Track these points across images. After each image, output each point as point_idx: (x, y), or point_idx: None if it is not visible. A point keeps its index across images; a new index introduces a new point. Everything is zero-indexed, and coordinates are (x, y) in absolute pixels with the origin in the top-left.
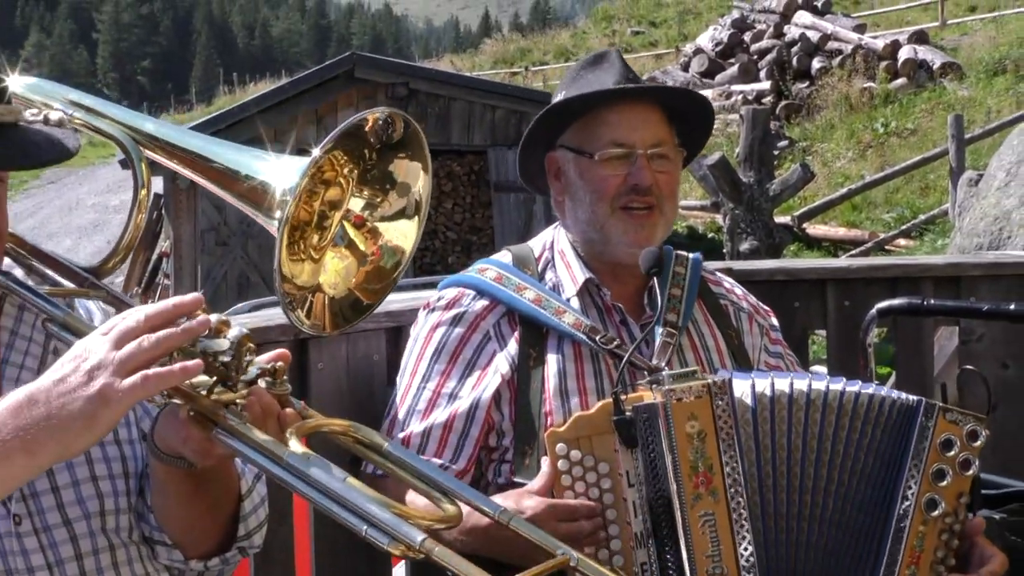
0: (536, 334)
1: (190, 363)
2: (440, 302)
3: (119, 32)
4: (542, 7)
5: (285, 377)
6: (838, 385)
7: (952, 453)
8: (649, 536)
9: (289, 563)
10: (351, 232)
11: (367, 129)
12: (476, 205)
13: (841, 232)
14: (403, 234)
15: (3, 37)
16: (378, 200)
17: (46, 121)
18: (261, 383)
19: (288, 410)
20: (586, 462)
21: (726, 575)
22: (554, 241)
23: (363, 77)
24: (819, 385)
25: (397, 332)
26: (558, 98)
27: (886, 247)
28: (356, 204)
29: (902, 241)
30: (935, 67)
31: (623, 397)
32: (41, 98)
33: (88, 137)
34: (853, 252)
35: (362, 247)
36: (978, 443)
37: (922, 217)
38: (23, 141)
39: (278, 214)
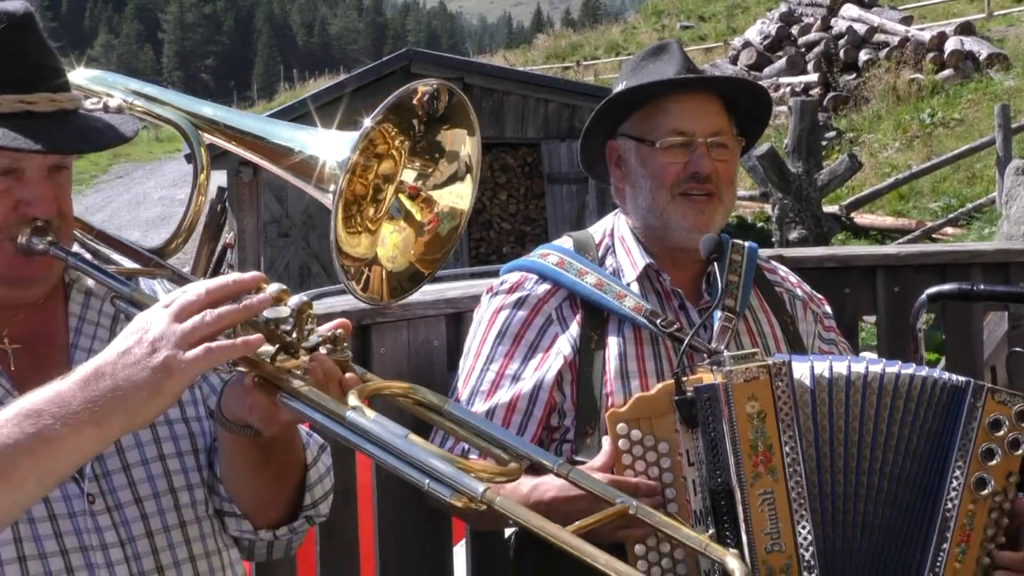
0: (597, 317)
1: (252, 337)
2: (503, 286)
3: (183, 32)
4: (593, 3)
5: (346, 344)
6: (893, 368)
7: (1001, 433)
8: (708, 514)
9: (353, 542)
10: (407, 203)
11: (415, 102)
12: (529, 196)
13: (888, 221)
14: (459, 196)
15: (73, 38)
16: (430, 170)
17: (105, 108)
18: (322, 350)
19: (349, 375)
20: (646, 442)
21: (784, 552)
22: (614, 227)
23: (419, 72)
24: (875, 368)
25: (457, 318)
26: (619, 88)
27: (933, 236)
28: (409, 175)
29: (949, 230)
30: (981, 58)
31: (684, 378)
32: (103, 88)
33: (154, 132)
34: (900, 240)
35: (418, 217)
36: None
37: (969, 206)
38: (83, 127)
39: (332, 187)
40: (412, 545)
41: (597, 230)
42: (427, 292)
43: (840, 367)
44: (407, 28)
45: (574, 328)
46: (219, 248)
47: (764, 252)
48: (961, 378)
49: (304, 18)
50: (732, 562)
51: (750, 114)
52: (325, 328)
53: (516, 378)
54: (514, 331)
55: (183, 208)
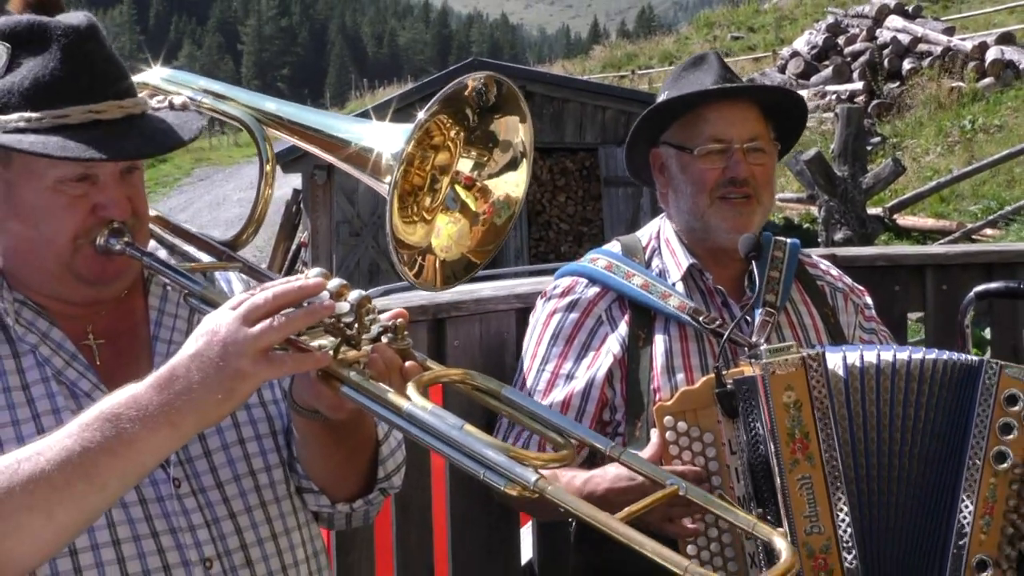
0: (644, 317)
1: (318, 354)
2: (556, 291)
3: (261, 43)
4: (647, 15)
5: (406, 332)
6: (917, 354)
7: (1017, 408)
8: (751, 499)
9: (427, 518)
10: (462, 194)
11: (467, 94)
12: (587, 199)
13: (929, 223)
14: (514, 184)
15: (158, 49)
16: (485, 159)
17: (171, 106)
18: (383, 339)
19: (410, 363)
20: (692, 433)
21: (824, 533)
22: (660, 230)
23: None
24: (901, 355)
25: (525, 312)
26: (661, 98)
27: (972, 237)
28: (465, 165)
29: (988, 231)
30: (1021, 67)
31: (724, 372)
32: (174, 87)
33: (233, 138)
34: (942, 241)
35: (474, 207)
36: None
37: (1008, 208)
38: (149, 130)
39: (388, 178)
40: (482, 525)
41: (644, 233)
42: (498, 288)
43: (870, 356)
44: (471, 39)
45: (623, 328)
46: (294, 246)
47: (818, 251)
48: (974, 357)
49: (374, 30)
50: (779, 541)
51: (788, 118)
52: (385, 316)
53: (570, 377)
54: (567, 333)
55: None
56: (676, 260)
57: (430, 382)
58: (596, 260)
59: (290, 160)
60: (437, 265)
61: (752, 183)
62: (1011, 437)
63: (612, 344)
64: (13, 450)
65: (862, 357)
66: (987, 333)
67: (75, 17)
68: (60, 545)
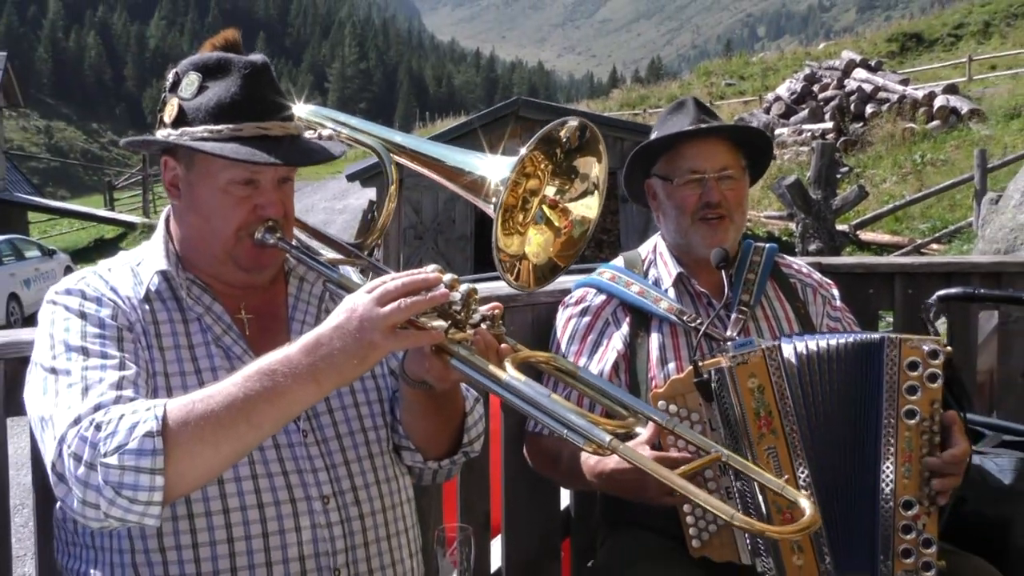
0: (642, 318)
1: (435, 330)
2: (571, 300)
3: (344, 82)
4: (656, 64)
5: (501, 321)
6: (839, 338)
7: (918, 372)
8: (729, 468)
9: (486, 476)
10: (548, 212)
11: (560, 135)
12: (606, 212)
13: (886, 238)
14: (588, 207)
15: None
16: (567, 187)
17: (320, 136)
18: (483, 326)
19: (504, 345)
20: (681, 413)
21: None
22: (656, 245)
23: (525, 116)
24: (832, 340)
25: None
26: (652, 136)
27: (922, 250)
28: (550, 191)
29: (934, 246)
30: (963, 112)
31: (701, 363)
32: (318, 119)
33: None
34: (896, 254)
35: (556, 223)
36: (939, 359)
37: (951, 227)
38: (305, 147)
39: (494, 200)
40: (529, 479)
41: (644, 248)
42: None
43: (812, 344)
44: (513, 82)
45: (625, 327)
46: (371, 254)
47: (808, 260)
48: (876, 334)
49: (435, 73)
50: (804, 501)
51: (756, 148)
52: (485, 308)
53: (585, 369)
54: (581, 334)
55: (340, 215)
56: (668, 270)
57: (523, 361)
58: (603, 273)
59: (367, 177)
60: (530, 269)
61: (725, 205)
62: (916, 397)
63: (617, 341)
64: (180, 395)
65: (807, 346)
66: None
67: (254, 56)
68: (220, 471)
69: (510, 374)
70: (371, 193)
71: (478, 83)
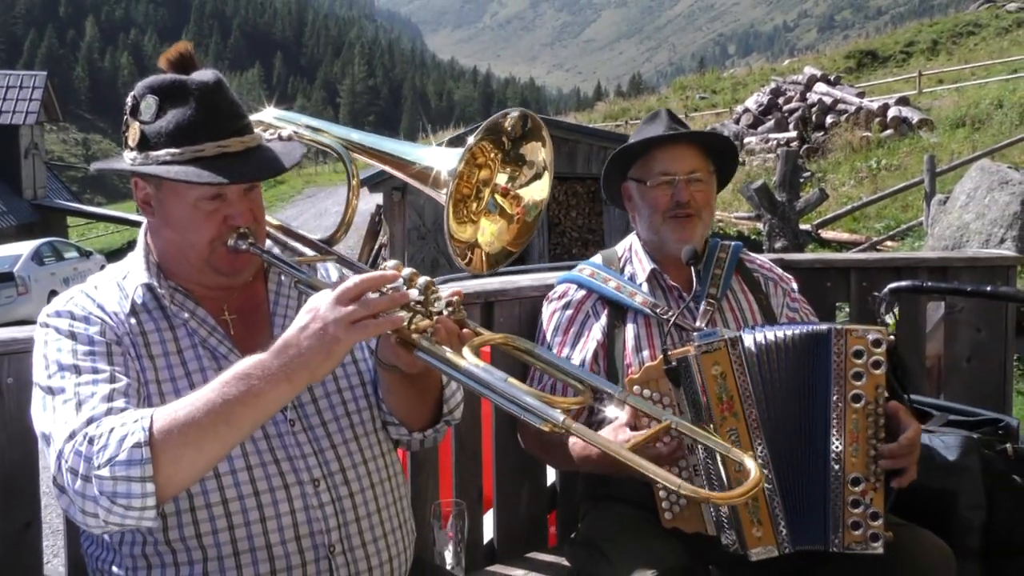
0: (619, 311)
1: (394, 316)
2: (555, 295)
3: (354, 97)
4: (637, 80)
5: (462, 306)
6: (791, 329)
7: (863, 359)
8: (696, 445)
9: (478, 454)
10: (500, 201)
11: (504, 125)
12: (592, 214)
13: (845, 236)
14: (540, 190)
15: (279, 101)
16: (517, 175)
17: (280, 138)
18: (445, 312)
19: (465, 330)
20: (654, 397)
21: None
22: (632, 244)
23: None
24: (787, 331)
25: None
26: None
27: (877, 247)
28: (502, 179)
29: (889, 243)
30: (914, 122)
31: (670, 352)
32: (283, 123)
33: (333, 166)
34: (854, 250)
35: (509, 210)
36: (882, 347)
37: (903, 227)
38: (263, 159)
39: (444, 189)
40: (517, 457)
41: (621, 246)
42: (531, 279)
43: (770, 335)
44: (507, 96)
45: (603, 319)
46: (376, 246)
47: (770, 256)
48: (824, 325)
49: (436, 88)
50: (749, 462)
51: (722, 153)
52: (445, 295)
53: (568, 359)
54: (564, 326)
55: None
56: (642, 266)
57: (481, 344)
58: (583, 270)
59: (374, 183)
60: (483, 256)
61: (694, 204)
62: (862, 382)
63: (596, 332)
64: (172, 400)
65: (765, 336)
66: (889, 318)
67: (206, 74)
68: (206, 469)
69: (469, 361)
70: (378, 198)
71: (475, 97)
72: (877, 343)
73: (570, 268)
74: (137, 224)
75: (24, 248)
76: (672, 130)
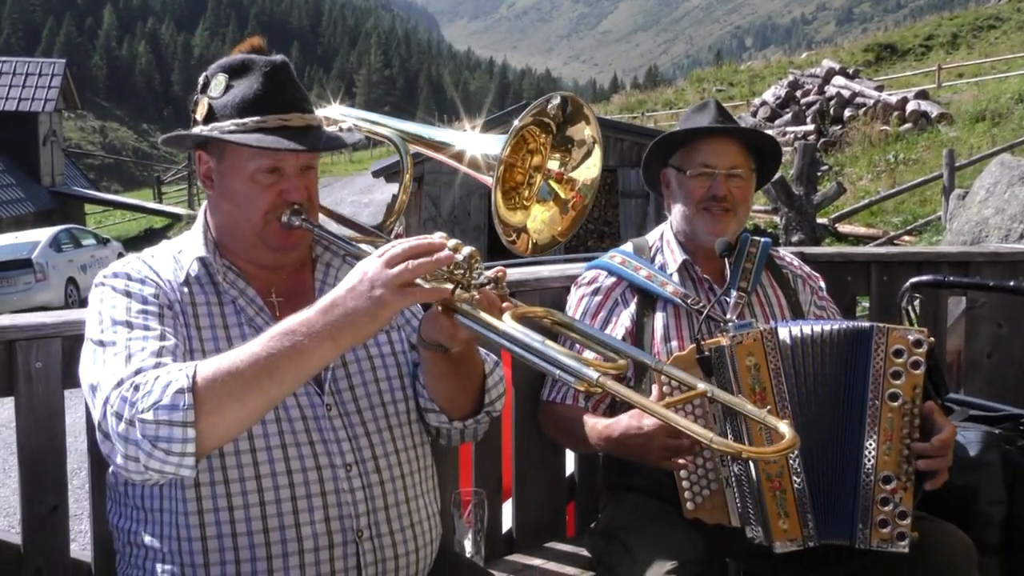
0: (648, 299)
1: (441, 286)
2: (584, 280)
3: (369, 88)
4: (653, 72)
5: (505, 283)
6: (831, 325)
7: (903, 359)
8: (725, 436)
9: (497, 443)
10: (555, 187)
11: (547, 110)
12: (608, 206)
13: (862, 230)
14: (592, 166)
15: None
16: (567, 158)
17: (340, 129)
18: (488, 287)
19: (506, 303)
20: (682, 388)
21: (778, 463)
22: (663, 233)
23: None
24: (822, 327)
25: (568, 288)
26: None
27: (895, 241)
28: (553, 164)
29: (906, 237)
30: (933, 116)
31: (703, 341)
32: (343, 117)
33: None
34: (870, 244)
35: (563, 195)
36: (922, 348)
37: (921, 221)
38: (324, 135)
39: (492, 173)
40: (537, 448)
41: (652, 235)
42: (551, 270)
43: (806, 328)
44: (523, 87)
45: (632, 307)
46: (392, 236)
47: (791, 249)
48: (867, 323)
49: (452, 79)
50: (783, 426)
51: (766, 153)
52: (491, 272)
53: None
54: (592, 311)
55: (366, 208)
56: (673, 256)
57: (522, 315)
58: (614, 257)
59: (391, 173)
60: (530, 242)
61: (730, 200)
62: (900, 381)
63: (625, 319)
64: None
65: (801, 329)
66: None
67: (274, 56)
68: (248, 424)
69: (508, 324)
70: (395, 188)
71: (491, 88)
72: (918, 343)
73: (587, 260)
74: (153, 212)
75: (42, 235)
76: (719, 122)
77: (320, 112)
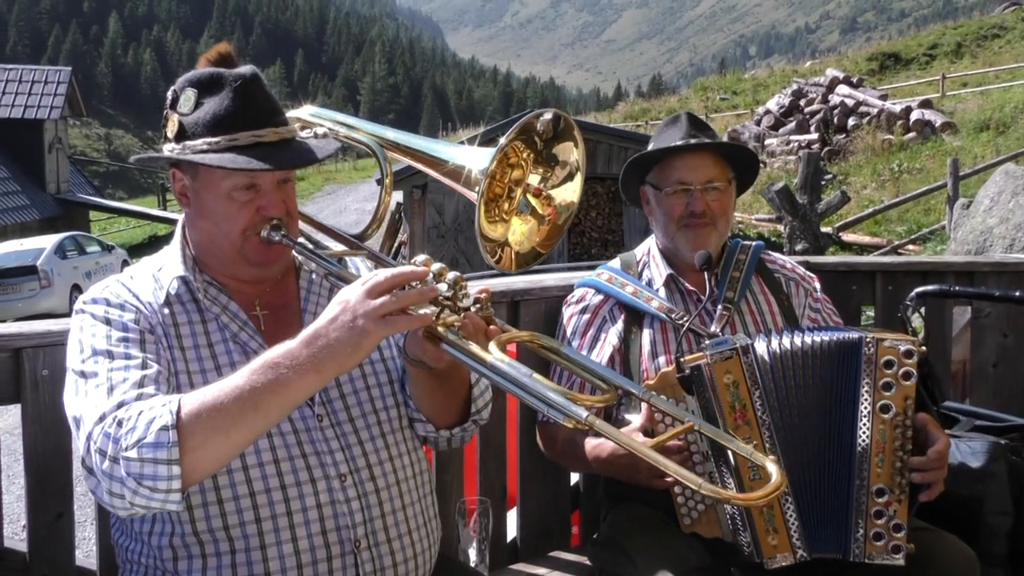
0: (636, 315)
1: (423, 314)
2: (573, 299)
3: (374, 95)
4: (657, 80)
5: (490, 304)
6: (818, 335)
7: (893, 370)
8: (709, 454)
9: (502, 452)
10: (532, 201)
11: (536, 126)
12: (611, 214)
13: (866, 239)
14: (572, 191)
15: (299, 99)
16: (549, 175)
17: (315, 135)
18: (472, 309)
19: (492, 327)
20: (670, 403)
21: (763, 479)
22: (650, 248)
23: None
24: (807, 338)
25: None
26: (649, 147)
27: (899, 251)
28: (534, 179)
29: (911, 247)
30: (937, 125)
31: (683, 359)
32: (318, 120)
33: (353, 163)
34: (875, 254)
35: (540, 210)
36: (913, 359)
37: (925, 230)
38: (299, 149)
39: (477, 188)
40: (542, 457)
41: (640, 249)
42: (555, 279)
43: (785, 341)
44: (527, 95)
45: (620, 324)
46: (396, 243)
47: (796, 258)
48: (856, 333)
49: (456, 87)
50: (771, 466)
51: (742, 161)
52: (473, 292)
53: None
54: (582, 329)
55: (370, 216)
56: (659, 271)
57: (507, 341)
58: (601, 275)
59: (397, 180)
60: (512, 255)
61: (709, 213)
62: (891, 392)
63: (613, 337)
64: None
65: (780, 343)
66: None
67: (243, 68)
68: (232, 456)
69: (495, 356)
70: (398, 196)
71: (495, 96)
72: (909, 354)
73: (591, 268)
74: (158, 219)
75: (47, 242)
76: (692, 135)
77: (291, 113)
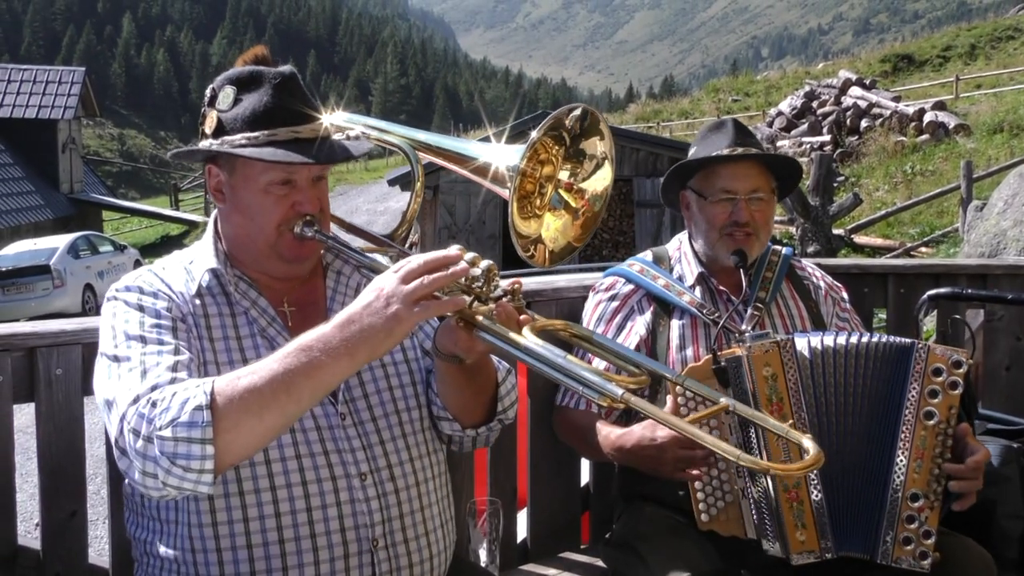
0: (665, 308)
1: (457, 298)
2: (602, 286)
3: (385, 96)
4: (669, 82)
5: (521, 295)
6: (864, 338)
7: (941, 378)
8: (741, 447)
9: (513, 452)
10: (564, 196)
11: (565, 122)
12: (623, 216)
13: (879, 241)
14: (601, 179)
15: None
16: (578, 169)
17: (347, 137)
18: (505, 299)
19: (524, 316)
20: (697, 398)
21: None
22: (682, 244)
23: None
24: (852, 339)
25: (586, 297)
26: (691, 151)
27: (911, 253)
28: (564, 175)
29: (923, 249)
30: (950, 127)
31: (719, 352)
32: (350, 124)
33: (363, 164)
34: (887, 256)
35: (573, 204)
36: (962, 369)
37: (938, 233)
38: (333, 147)
39: (508, 185)
40: (551, 458)
41: (672, 245)
42: (567, 280)
43: (828, 340)
44: (539, 97)
45: (648, 315)
46: (408, 245)
47: (810, 260)
48: (908, 340)
49: (468, 88)
50: (807, 442)
51: (786, 172)
52: (506, 283)
53: None
54: (608, 316)
55: (381, 216)
56: (691, 268)
57: (541, 328)
58: (632, 265)
59: (406, 182)
60: (546, 252)
61: (752, 224)
62: (937, 400)
63: (640, 327)
64: None
65: (822, 341)
66: (926, 324)
67: (283, 68)
68: (265, 441)
69: (529, 339)
70: (409, 196)
71: (507, 98)
72: (958, 364)
73: (602, 269)
74: (170, 219)
75: (60, 241)
76: (738, 146)
77: (325, 119)
